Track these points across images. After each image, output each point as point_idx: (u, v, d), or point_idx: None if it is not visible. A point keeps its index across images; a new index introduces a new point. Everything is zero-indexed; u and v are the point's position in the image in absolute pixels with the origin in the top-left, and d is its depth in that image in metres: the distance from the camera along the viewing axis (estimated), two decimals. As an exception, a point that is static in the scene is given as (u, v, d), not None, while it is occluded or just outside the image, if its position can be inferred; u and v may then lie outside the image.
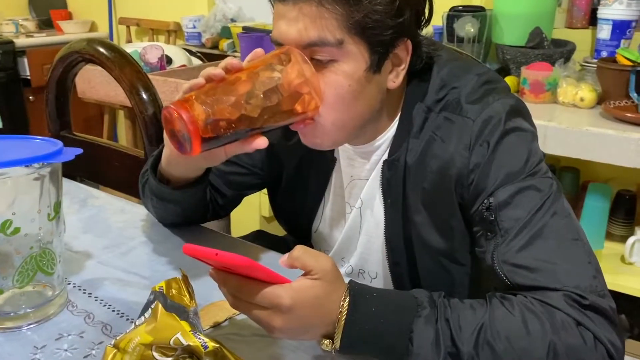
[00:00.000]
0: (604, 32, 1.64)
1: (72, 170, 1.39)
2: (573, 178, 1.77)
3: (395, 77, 0.71)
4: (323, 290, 0.57)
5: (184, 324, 0.51)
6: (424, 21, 0.71)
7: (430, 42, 0.75)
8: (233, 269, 0.54)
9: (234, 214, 2.08)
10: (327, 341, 0.58)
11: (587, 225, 1.53)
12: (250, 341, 0.64)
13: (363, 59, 0.66)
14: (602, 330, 0.59)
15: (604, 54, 1.64)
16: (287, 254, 0.57)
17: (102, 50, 1.19)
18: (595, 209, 1.51)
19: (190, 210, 0.88)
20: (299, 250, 0.57)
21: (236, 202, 0.97)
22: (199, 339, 0.50)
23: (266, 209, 2.02)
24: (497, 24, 1.74)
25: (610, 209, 1.61)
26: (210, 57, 2.38)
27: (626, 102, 1.45)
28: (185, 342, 0.50)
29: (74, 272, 0.80)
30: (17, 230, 0.63)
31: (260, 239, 1.09)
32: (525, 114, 0.72)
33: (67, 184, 1.12)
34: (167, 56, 2.19)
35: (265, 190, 2.07)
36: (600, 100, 1.52)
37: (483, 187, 0.68)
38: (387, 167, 0.76)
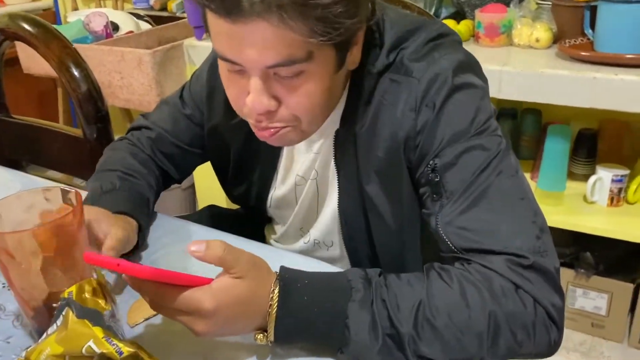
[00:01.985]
0: (559, -33, 1.58)
1: (15, 154, 1.33)
2: (535, 120, 1.76)
3: (355, 57, 0.67)
4: (247, 287, 0.54)
5: (97, 329, 0.48)
6: None
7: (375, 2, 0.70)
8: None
9: (200, 180, 2.04)
10: (260, 335, 0.56)
11: (548, 168, 1.52)
12: (183, 334, 0.62)
13: (331, 61, 0.61)
14: (542, 292, 0.58)
15: (559, -10, 1.59)
16: (202, 243, 0.52)
17: (25, 25, 1.12)
18: (555, 151, 1.49)
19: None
20: (221, 247, 0.52)
21: (185, 177, 0.97)
22: (113, 344, 0.47)
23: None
24: (449, -34, 1.68)
25: (572, 149, 1.60)
26: (158, 20, 2.27)
27: (582, 40, 1.42)
28: (98, 350, 0.47)
29: (3, 270, 0.76)
30: None
31: (212, 216, 1.06)
32: (475, 68, 0.69)
33: (4, 172, 1.07)
34: (112, 23, 2.09)
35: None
36: (556, 39, 1.48)
37: (429, 148, 0.65)
38: (339, 138, 0.73)
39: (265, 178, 0.86)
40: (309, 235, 0.86)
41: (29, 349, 0.49)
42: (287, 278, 0.57)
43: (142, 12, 2.34)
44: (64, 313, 0.50)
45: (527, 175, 1.65)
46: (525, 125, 1.77)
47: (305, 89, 0.61)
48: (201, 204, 2.10)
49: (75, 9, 2.74)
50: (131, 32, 2.08)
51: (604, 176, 1.49)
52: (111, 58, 1.81)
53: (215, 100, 0.84)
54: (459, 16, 1.72)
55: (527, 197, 0.64)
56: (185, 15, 2.23)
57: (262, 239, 1.01)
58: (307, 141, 0.78)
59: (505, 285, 0.57)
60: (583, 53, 1.34)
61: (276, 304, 0.54)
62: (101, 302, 0.52)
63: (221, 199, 2.04)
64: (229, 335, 0.57)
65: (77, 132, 1.17)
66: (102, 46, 1.85)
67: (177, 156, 0.91)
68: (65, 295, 0.51)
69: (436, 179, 0.64)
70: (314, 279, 0.57)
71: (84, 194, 0.77)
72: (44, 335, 0.50)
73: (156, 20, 2.27)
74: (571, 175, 1.60)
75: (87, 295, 0.52)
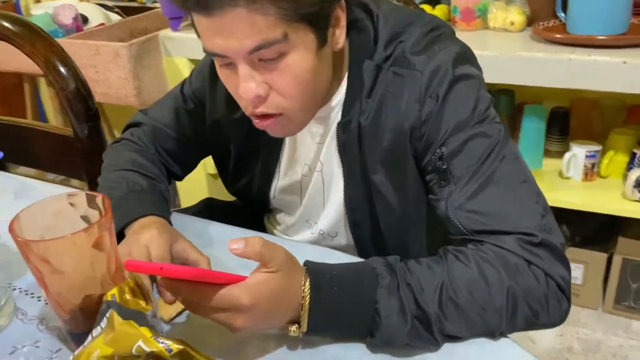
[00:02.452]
0: (529, -50, 1.62)
1: (-2, 155, 1.31)
2: (509, 99, 1.81)
3: (338, 38, 0.69)
4: (280, 282, 0.56)
5: (144, 330, 0.50)
6: None
7: None
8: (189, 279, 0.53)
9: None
10: (294, 327, 0.58)
11: (525, 146, 1.58)
12: (215, 326, 0.63)
13: (310, 40, 0.64)
14: (552, 266, 0.62)
15: (530, -27, 1.64)
16: (241, 241, 0.54)
17: (6, 24, 1.09)
18: (532, 130, 1.55)
19: None
20: (260, 243, 0.55)
21: (188, 172, 0.98)
22: (162, 343, 0.49)
23: (212, 167, 1.98)
24: (423, -49, 1.70)
25: (546, 127, 1.66)
26: (128, 11, 2.23)
27: (554, 22, 1.47)
28: (148, 349, 0.49)
29: (17, 275, 0.75)
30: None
31: (210, 208, 1.07)
32: (471, 59, 0.73)
33: (-4, 175, 1.06)
34: (82, 15, 2.05)
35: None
36: (530, 22, 1.53)
37: (435, 137, 0.69)
38: (341, 130, 0.76)
39: (267, 169, 0.88)
40: (316, 226, 0.89)
41: (76, 353, 0.50)
42: (316, 271, 0.59)
43: (110, 3, 2.29)
44: (107, 315, 0.51)
45: (504, 154, 1.71)
46: (499, 105, 1.82)
47: (290, 69, 0.64)
48: (182, 197, 2.10)
49: (38, 1, 2.65)
50: (102, 24, 2.04)
51: (578, 152, 1.55)
52: (85, 52, 1.78)
53: (217, 95, 0.85)
54: (433, 1, 1.75)
55: (529, 179, 0.68)
56: (156, 5, 2.20)
57: (261, 230, 1.04)
58: (309, 131, 0.80)
59: (519, 263, 0.61)
60: (557, 35, 1.39)
61: (308, 296, 0.57)
62: (142, 302, 0.53)
63: (203, 191, 2.04)
64: (265, 329, 0.59)
65: (66, 131, 1.15)
66: (75, 40, 1.81)
67: (179, 152, 0.91)
68: (108, 298, 0.52)
69: (443, 167, 0.68)
70: (341, 270, 0.60)
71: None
72: (89, 337, 0.51)
73: (126, 11, 2.23)
74: (546, 153, 1.67)
75: (127, 296, 0.53)
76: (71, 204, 0.60)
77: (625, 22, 1.34)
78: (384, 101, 0.72)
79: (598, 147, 1.56)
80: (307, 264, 0.60)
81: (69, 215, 0.60)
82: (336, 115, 0.77)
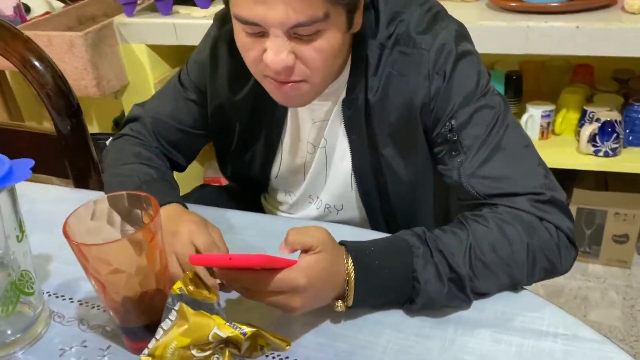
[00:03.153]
0: None
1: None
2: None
3: (359, 20, 0.73)
4: (327, 260, 0.60)
5: (216, 317, 0.53)
6: None
7: None
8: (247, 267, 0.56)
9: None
10: (339, 302, 0.62)
11: (486, 111, 1.66)
12: (257, 308, 0.66)
13: (342, 21, 0.68)
14: (560, 220, 0.69)
15: (479, -57, 1.69)
16: (283, 243, 0.59)
17: (-26, 23, 1.05)
18: (492, 95, 1.63)
19: None
20: (294, 233, 0.59)
21: (190, 162, 0.99)
22: (236, 328, 0.52)
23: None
24: None
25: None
26: (72, -3, 2.14)
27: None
28: (224, 335, 0.52)
29: (43, 279, 0.76)
30: (-9, 261, 0.59)
31: (209, 193, 1.08)
32: (468, 37, 0.78)
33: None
34: (23, 4, 1.95)
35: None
36: (485, -10, 1.59)
37: (443, 111, 0.74)
38: (346, 106, 0.80)
39: (269, 149, 0.90)
40: (319, 200, 0.92)
41: (151, 346, 0.53)
42: (356, 248, 0.63)
43: (48, -11, 2.19)
44: (176, 308, 0.53)
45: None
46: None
47: (320, 46, 0.68)
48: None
49: (-35, -11, 2.49)
50: (47, 12, 1.95)
51: (534, 113, 1.66)
52: (37, 43, 1.70)
53: (218, 81, 0.87)
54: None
55: (530, 144, 0.75)
56: (100, -11, 2.11)
57: (260, 211, 1.06)
58: (310, 109, 0.83)
59: (532, 220, 0.68)
60: (513, 4, 1.46)
61: (353, 272, 0.61)
62: (205, 292, 0.56)
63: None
64: (317, 306, 0.63)
65: (46, 129, 1.13)
66: (24, 31, 1.73)
67: (181, 141, 0.92)
68: (176, 291, 0.54)
69: (454, 138, 0.73)
70: (377, 246, 0.65)
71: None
72: (160, 331, 0.54)
73: (69, -2, 2.14)
74: (503, 115, 1.76)
75: (192, 288, 0.55)
76: (112, 205, 0.61)
77: (574, -12, 1.42)
78: (390, 79, 0.76)
79: (552, 107, 1.67)
80: (345, 242, 0.64)
81: (110, 217, 0.61)
82: (341, 93, 0.80)
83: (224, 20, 0.86)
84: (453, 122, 0.73)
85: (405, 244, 0.65)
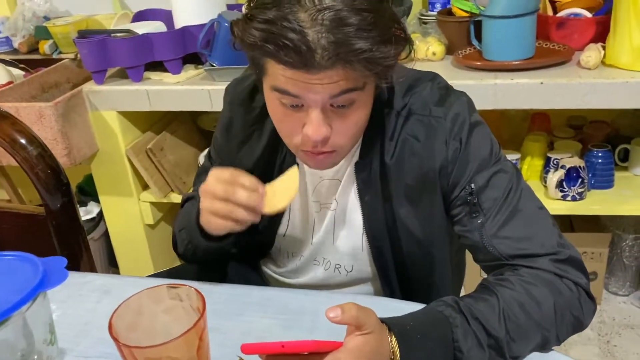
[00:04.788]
0: (434, -15, 1.79)
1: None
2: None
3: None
4: (375, 342, 0.61)
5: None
6: None
7: None
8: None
9: (114, 227, 1.95)
10: None
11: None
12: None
13: (372, 90, 0.73)
14: (578, 276, 0.74)
15: (438, 6, 1.80)
16: (337, 309, 0.59)
17: (-43, 105, 1.02)
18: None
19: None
20: (354, 309, 0.59)
21: None
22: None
23: (149, 216, 1.93)
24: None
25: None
26: (32, 64, 2.10)
27: (470, 50, 1.63)
28: None
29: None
30: (29, 369, 0.56)
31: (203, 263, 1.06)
32: (475, 108, 0.84)
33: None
34: (-17, 74, 1.90)
35: (144, 197, 1.97)
36: (449, 50, 1.68)
37: (462, 174, 0.79)
38: (360, 168, 0.83)
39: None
40: (327, 262, 0.93)
41: None
42: (397, 324, 0.65)
43: (7, 57, 2.14)
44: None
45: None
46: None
47: (355, 116, 0.73)
48: (119, 252, 2.01)
49: None
50: (10, 82, 1.91)
51: (502, 162, 1.73)
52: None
53: (231, 146, 0.93)
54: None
55: (543, 206, 0.81)
56: (61, 56, 2.09)
57: (259, 277, 1.06)
58: (322, 171, 0.86)
59: (553, 279, 0.72)
60: (477, 62, 1.55)
61: (398, 350, 0.62)
62: (259, 385, 0.55)
63: (142, 242, 1.97)
64: None
65: (34, 209, 1.09)
66: (-10, 104, 1.69)
67: None
68: (234, 387, 0.53)
69: (474, 200, 0.78)
70: (415, 320, 0.66)
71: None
72: None
73: (29, 65, 2.10)
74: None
75: (244, 381, 0.55)
76: (151, 299, 0.60)
77: (532, 47, 1.53)
78: (406, 143, 0.81)
79: (517, 155, 1.75)
80: (386, 320, 0.65)
81: (151, 311, 0.60)
82: (353, 155, 0.84)
83: (235, 85, 0.91)
84: (473, 185, 0.78)
85: (442, 315, 0.66)
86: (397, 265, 0.89)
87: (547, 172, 1.71)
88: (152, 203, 1.90)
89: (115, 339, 0.53)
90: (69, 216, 1.07)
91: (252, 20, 0.66)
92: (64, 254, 1.11)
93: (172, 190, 1.89)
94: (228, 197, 0.73)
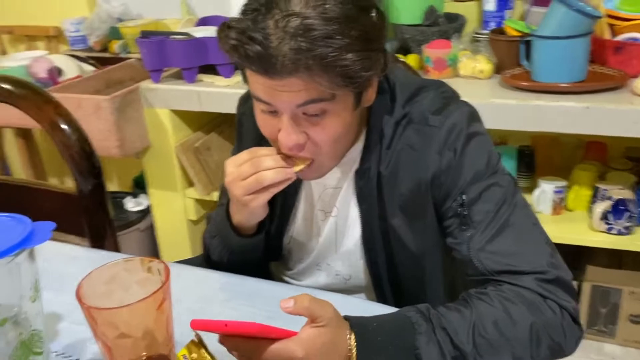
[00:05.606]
0: (490, 4, 1.77)
1: None
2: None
3: (370, 96, 0.77)
4: (330, 335, 0.61)
5: (216, 387, 0.53)
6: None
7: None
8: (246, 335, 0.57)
9: (159, 220, 2.04)
10: None
11: (498, 185, 1.68)
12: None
13: (350, 101, 0.72)
14: (564, 299, 0.70)
15: (492, 25, 1.77)
16: (290, 300, 0.60)
17: (9, 87, 1.12)
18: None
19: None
20: (307, 299, 0.60)
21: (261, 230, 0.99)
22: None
23: (192, 212, 2.00)
24: (392, 5, 1.81)
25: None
26: (102, 61, 2.25)
27: (519, 70, 1.59)
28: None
29: (51, 338, 0.77)
30: (4, 320, 0.60)
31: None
32: (479, 118, 0.82)
33: None
34: (56, 67, 2.06)
35: (189, 194, 2.03)
36: (498, 69, 1.65)
37: (454, 185, 0.77)
38: (359, 177, 0.83)
39: (284, 214, 0.94)
40: (329, 268, 0.94)
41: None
42: (360, 324, 0.64)
43: (81, 54, 2.31)
44: (180, 376, 0.54)
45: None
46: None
47: (328, 125, 0.72)
48: (162, 244, 2.10)
49: (4, 53, 2.64)
50: (79, 76, 2.05)
51: (547, 188, 1.67)
52: (67, 105, 1.77)
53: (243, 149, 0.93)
54: (403, 50, 1.86)
55: (537, 223, 0.77)
56: (129, 56, 2.23)
57: (268, 276, 1.08)
58: (325, 180, 0.87)
59: (536, 298, 0.69)
60: (523, 83, 1.51)
61: (355, 348, 0.62)
62: (208, 358, 0.57)
63: (184, 237, 2.05)
64: None
65: (67, 188, 1.17)
66: (57, 93, 1.81)
67: None
68: (181, 358, 0.55)
69: (464, 212, 0.76)
70: (380, 321, 0.66)
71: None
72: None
73: (99, 62, 2.25)
74: (515, 189, 1.77)
75: (195, 355, 0.57)
76: (126, 270, 0.63)
77: (583, 70, 1.47)
78: (402, 153, 0.80)
79: (564, 183, 1.68)
80: (349, 317, 0.65)
81: (124, 280, 0.63)
82: (353, 163, 0.84)
83: (246, 98, 0.92)
84: (464, 197, 0.76)
85: (408, 320, 0.65)
86: (391, 277, 0.88)
87: (594, 202, 1.63)
88: (196, 200, 1.98)
89: (79, 299, 0.56)
90: (97, 198, 1.14)
91: (229, 28, 0.68)
92: (91, 233, 1.18)
93: (215, 189, 1.95)
94: (256, 169, 0.75)
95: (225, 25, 0.69)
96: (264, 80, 0.68)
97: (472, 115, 0.80)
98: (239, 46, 0.66)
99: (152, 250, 2.17)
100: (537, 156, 1.85)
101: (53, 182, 2.77)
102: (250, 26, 0.65)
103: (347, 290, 0.95)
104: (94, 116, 1.78)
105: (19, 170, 2.89)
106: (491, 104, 1.47)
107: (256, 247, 0.90)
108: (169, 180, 1.95)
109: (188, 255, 2.06)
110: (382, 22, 0.73)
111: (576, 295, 0.72)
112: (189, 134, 1.93)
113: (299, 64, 0.64)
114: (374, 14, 0.71)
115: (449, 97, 0.82)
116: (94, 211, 1.15)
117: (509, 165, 1.65)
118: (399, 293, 0.89)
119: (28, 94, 1.10)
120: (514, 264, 0.71)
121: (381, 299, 0.91)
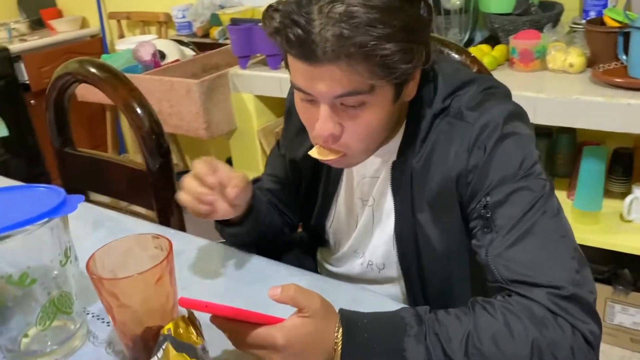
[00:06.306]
0: (591, -9, 1.63)
1: (79, 185, 1.44)
2: (570, 139, 1.79)
3: (412, 91, 0.76)
4: (314, 327, 0.61)
5: (194, 362, 0.56)
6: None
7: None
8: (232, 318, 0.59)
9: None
10: None
11: (584, 188, 1.56)
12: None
13: (389, 94, 0.71)
14: (579, 320, 0.64)
15: (592, 14, 1.63)
16: (278, 288, 0.61)
17: (93, 70, 1.23)
18: (591, 172, 1.53)
19: (265, 232, 0.96)
20: (293, 289, 0.61)
21: (295, 209, 1.04)
22: (208, 375, 0.55)
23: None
24: (483, -8, 1.73)
25: (608, 167, 1.63)
26: (201, 47, 2.38)
27: (615, 65, 1.46)
28: (196, 380, 0.55)
29: (90, 301, 0.84)
30: (33, 281, 0.68)
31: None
32: (523, 118, 0.77)
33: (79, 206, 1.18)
34: (159, 51, 2.21)
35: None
36: (590, 63, 1.52)
37: (480, 186, 0.73)
38: (395, 169, 0.83)
39: (325, 201, 0.95)
40: (364, 257, 0.94)
41: (136, 378, 0.58)
42: (349, 318, 0.64)
43: (185, 39, 2.46)
44: (164, 347, 0.58)
45: (563, 194, 1.69)
46: (560, 144, 1.81)
47: (366, 118, 0.71)
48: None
49: (122, 35, 2.88)
50: (177, 60, 2.19)
51: (640, 195, 1.52)
52: (161, 87, 1.92)
53: (289, 133, 0.97)
54: (493, 41, 1.78)
55: (568, 235, 0.70)
56: (227, 42, 2.33)
57: (313, 260, 1.10)
58: (364, 169, 0.87)
59: (545, 315, 0.63)
60: (617, 79, 1.38)
61: (340, 342, 0.62)
62: (193, 336, 0.60)
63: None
64: None
65: (139, 165, 1.27)
66: (153, 76, 1.97)
67: (285, 197, 1.01)
68: (165, 332, 0.59)
69: (487, 215, 0.72)
70: (371, 319, 0.65)
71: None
72: (148, 366, 0.59)
73: (199, 47, 2.39)
74: (607, 193, 1.63)
75: (181, 331, 0.60)
76: (139, 245, 0.68)
77: (688, 67, 1.32)
78: (435, 148, 0.78)
79: (659, 191, 1.52)
80: (342, 311, 0.65)
81: (138, 255, 0.68)
82: (392, 154, 0.83)
83: None
84: (488, 198, 0.72)
85: (402, 321, 0.64)
86: (420, 273, 0.86)
87: (695, 214, 1.46)
88: (276, 183, 2.04)
89: (87, 268, 0.62)
90: (164, 176, 1.22)
91: (274, 11, 0.68)
92: (158, 209, 1.28)
93: (294, 174, 2.00)
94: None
95: (270, 7, 0.70)
96: (304, 67, 0.68)
97: (513, 115, 0.75)
98: (282, 29, 0.67)
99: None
100: (637, 160, 1.68)
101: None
102: (295, 9, 0.66)
103: (379, 280, 0.94)
104: (185, 98, 1.90)
105: (131, 146, 3.16)
106: (575, 101, 1.36)
107: (250, 231, 0.92)
108: (251, 162, 2.04)
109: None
110: (429, 16, 0.71)
111: (597, 318, 0.66)
112: (271, 119, 2.00)
113: (339, 52, 0.64)
114: (420, 7, 0.69)
115: (492, 94, 0.78)
116: (160, 188, 1.23)
117: (595, 167, 1.52)
118: (428, 290, 0.87)
119: (108, 76, 1.20)
120: (529, 274, 0.66)
121: (410, 293, 0.89)
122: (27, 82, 2.75)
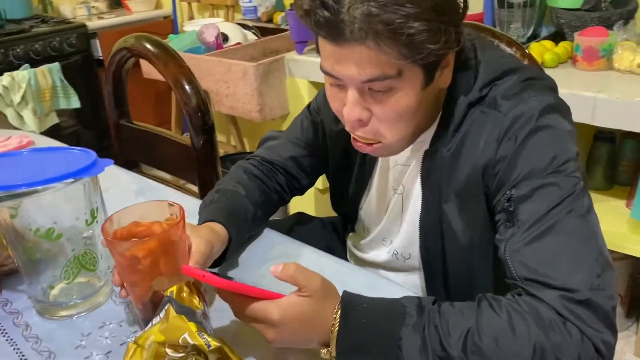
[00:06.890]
0: (670, -12, 1.52)
1: (132, 155, 1.51)
2: (635, 145, 1.69)
3: (446, 77, 0.74)
4: (311, 306, 0.61)
5: (191, 324, 0.58)
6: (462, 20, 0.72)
7: (468, 32, 0.77)
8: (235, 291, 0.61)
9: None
10: (325, 350, 0.63)
11: (644, 198, 1.47)
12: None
13: (419, 79, 0.70)
14: (591, 326, 0.60)
15: (670, 12, 1.53)
16: (280, 265, 0.62)
17: (148, 46, 1.27)
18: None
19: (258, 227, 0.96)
20: (293, 268, 0.61)
21: (312, 183, 1.06)
22: (203, 338, 0.57)
23: (319, 182, 2.07)
24: (551, -14, 1.66)
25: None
26: (264, 32, 2.42)
27: (688, 67, 1.36)
28: (191, 342, 0.57)
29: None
30: (59, 236, 0.72)
31: (299, 224, 1.14)
32: (564, 112, 0.74)
33: (125, 174, 1.23)
34: (223, 34, 2.26)
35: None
36: (661, 65, 1.43)
37: (507, 178, 0.71)
38: (426, 157, 0.81)
39: (359, 183, 0.95)
40: (391, 245, 0.93)
41: (138, 335, 0.60)
42: (349, 302, 0.64)
43: (250, 23, 2.50)
44: (166, 308, 0.60)
45: (622, 203, 1.60)
46: (624, 150, 1.71)
47: (394, 103, 0.70)
48: (291, 209, 2.22)
49: (191, 17, 2.97)
50: (239, 43, 2.24)
51: None
52: (220, 69, 1.97)
53: (327, 111, 0.94)
54: (558, 36, 1.70)
55: (595, 236, 0.66)
56: (288, 27, 2.35)
57: (344, 247, 1.10)
58: (397, 156, 0.85)
59: (552, 317, 0.60)
60: (687, 82, 1.29)
61: (337, 324, 0.62)
62: (195, 301, 0.62)
63: (309, 206, 2.14)
64: (296, 345, 0.65)
65: (186, 140, 1.31)
66: (213, 57, 2.02)
67: (305, 160, 1.00)
68: (167, 293, 0.61)
69: (510, 208, 0.69)
70: (372, 304, 0.64)
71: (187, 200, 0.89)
72: (150, 324, 0.61)
73: (262, 32, 2.42)
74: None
75: (184, 295, 0.62)
76: (155, 210, 0.71)
77: None
78: (467, 137, 0.76)
79: None
80: (344, 293, 0.65)
81: (152, 218, 0.71)
82: (425, 143, 0.82)
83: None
84: (513, 191, 0.69)
85: (402, 310, 0.63)
86: (442, 268, 0.84)
87: None
88: (325, 170, 2.05)
89: (103, 229, 0.65)
90: (207, 152, 1.26)
91: None
92: (200, 184, 1.31)
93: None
94: None
95: None
96: (333, 48, 0.68)
97: (552, 107, 0.72)
98: (311, 11, 0.67)
99: (285, 212, 2.31)
100: None
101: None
102: None
103: (403, 268, 0.93)
104: (241, 81, 1.94)
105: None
106: (637, 104, 1.28)
107: (240, 245, 0.89)
108: (303, 148, 2.05)
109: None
110: (465, 2, 0.70)
111: (613, 326, 0.62)
112: (325, 106, 2.00)
113: (368, 30, 0.64)
114: None
115: (532, 85, 0.74)
116: (203, 164, 1.27)
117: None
118: (448, 282, 0.85)
119: (160, 52, 1.24)
120: (544, 274, 0.63)
121: (431, 285, 0.88)
122: (101, 57, 2.88)
